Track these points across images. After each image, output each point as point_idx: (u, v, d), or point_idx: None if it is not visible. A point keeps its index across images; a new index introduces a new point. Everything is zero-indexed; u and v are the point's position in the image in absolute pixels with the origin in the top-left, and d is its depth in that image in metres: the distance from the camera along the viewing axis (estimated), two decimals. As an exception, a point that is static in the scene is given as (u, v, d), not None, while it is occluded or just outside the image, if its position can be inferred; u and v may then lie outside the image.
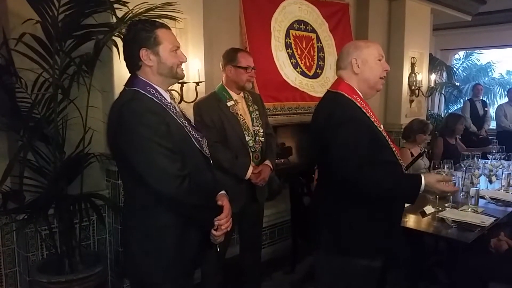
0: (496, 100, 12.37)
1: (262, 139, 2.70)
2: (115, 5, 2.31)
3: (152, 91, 1.64)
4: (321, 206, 2.00)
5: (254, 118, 2.70)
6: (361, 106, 1.87)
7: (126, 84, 1.69)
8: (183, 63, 1.73)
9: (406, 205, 2.82)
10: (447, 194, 2.30)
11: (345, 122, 1.78)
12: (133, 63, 1.66)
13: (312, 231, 2.07)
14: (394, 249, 2.02)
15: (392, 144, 1.93)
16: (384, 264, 1.99)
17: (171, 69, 1.67)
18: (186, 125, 1.71)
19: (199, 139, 1.74)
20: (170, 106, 1.67)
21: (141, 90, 1.62)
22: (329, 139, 1.78)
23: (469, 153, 3.66)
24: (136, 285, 1.86)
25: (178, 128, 1.65)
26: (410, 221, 2.69)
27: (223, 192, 1.83)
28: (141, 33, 1.62)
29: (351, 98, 1.87)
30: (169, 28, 1.70)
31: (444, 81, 7.65)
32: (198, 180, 1.64)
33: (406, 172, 2.10)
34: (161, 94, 1.66)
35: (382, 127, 1.93)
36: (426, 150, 3.85)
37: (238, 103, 2.66)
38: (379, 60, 1.93)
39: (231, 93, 2.65)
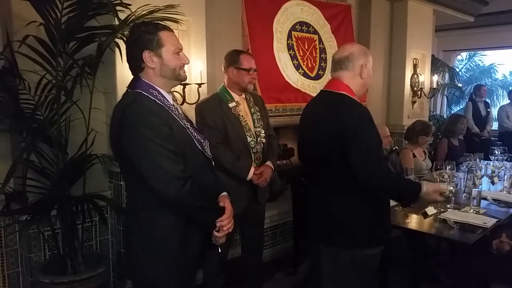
0: (499, 102, 12.31)
1: (264, 140, 2.71)
2: (118, 8, 2.33)
3: (155, 93, 1.64)
4: (328, 206, 2.05)
5: (255, 119, 2.71)
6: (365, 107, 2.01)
7: (129, 86, 1.70)
8: (186, 65, 1.74)
9: (408, 206, 2.84)
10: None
11: (366, 122, 1.91)
12: (136, 65, 1.67)
13: (313, 228, 2.13)
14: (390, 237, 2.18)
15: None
16: (381, 251, 2.10)
17: (174, 71, 1.68)
18: (188, 126, 1.72)
19: (201, 140, 1.75)
20: (172, 107, 1.68)
21: (143, 92, 1.63)
22: (349, 138, 1.87)
23: (471, 154, 3.66)
24: (138, 286, 1.86)
25: (180, 130, 1.65)
26: (412, 222, 2.69)
27: (225, 193, 1.83)
28: (144, 36, 1.63)
29: (355, 99, 1.98)
30: (171, 30, 1.71)
31: (446, 82, 7.64)
32: (200, 182, 1.64)
33: None
34: (163, 96, 1.67)
35: None
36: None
37: (240, 105, 2.67)
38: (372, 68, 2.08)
39: (233, 94, 2.66)
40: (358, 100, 2.00)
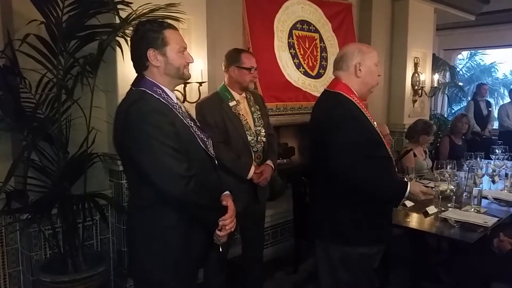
0: (499, 101, 12.28)
1: (264, 139, 2.71)
2: (119, 6, 2.32)
3: (159, 91, 1.64)
4: (321, 202, 2.12)
5: (256, 118, 2.71)
6: (358, 105, 2.00)
7: (133, 84, 1.70)
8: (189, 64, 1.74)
9: (409, 204, 2.85)
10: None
11: (346, 120, 1.92)
12: (140, 63, 1.67)
13: (313, 225, 2.18)
14: (389, 238, 2.18)
15: (385, 140, 2.07)
16: (380, 251, 2.12)
17: (178, 70, 1.68)
18: (192, 125, 1.71)
19: (204, 139, 1.75)
20: (176, 106, 1.68)
21: (148, 90, 1.62)
22: (329, 135, 1.91)
23: (472, 153, 3.66)
24: (140, 285, 1.86)
25: (184, 128, 1.65)
26: (413, 221, 2.69)
27: (227, 192, 1.83)
28: (149, 34, 1.63)
29: (349, 97, 2.00)
30: (176, 29, 1.71)
31: (447, 81, 7.63)
32: (203, 180, 1.65)
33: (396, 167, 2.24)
34: (167, 95, 1.67)
35: (376, 124, 2.05)
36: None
37: (240, 103, 2.66)
38: (376, 65, 2.07)
39: (233, 93, 2.66)
40: (356, 99, 2.00)
